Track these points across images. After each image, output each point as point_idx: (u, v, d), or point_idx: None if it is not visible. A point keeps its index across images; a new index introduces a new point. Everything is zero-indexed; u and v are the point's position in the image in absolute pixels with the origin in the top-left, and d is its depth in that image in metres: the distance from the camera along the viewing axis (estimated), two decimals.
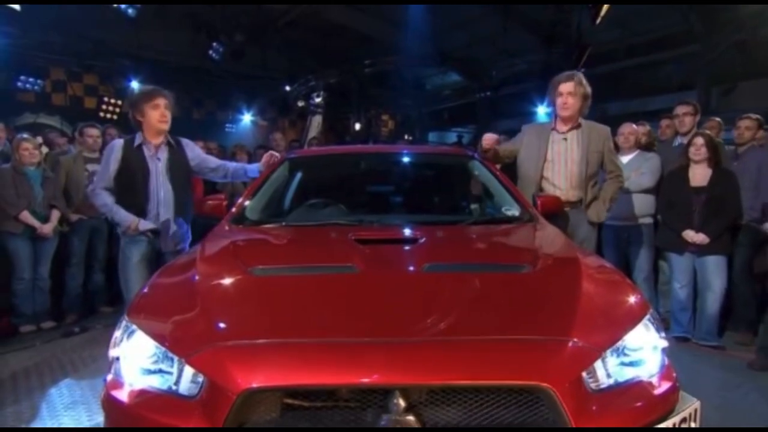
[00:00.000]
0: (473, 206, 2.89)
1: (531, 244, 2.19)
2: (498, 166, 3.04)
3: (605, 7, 7.33)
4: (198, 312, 1.50)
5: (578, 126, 3.03)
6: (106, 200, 2.81)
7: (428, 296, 1.56)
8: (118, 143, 2.90)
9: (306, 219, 2.42)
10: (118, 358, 1.49)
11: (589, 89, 2.98)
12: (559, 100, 2.98)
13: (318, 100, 10.76)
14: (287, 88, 11.35)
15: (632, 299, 1.61)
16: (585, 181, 2.97)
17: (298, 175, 3.01)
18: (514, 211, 2.51)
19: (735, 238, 3.50)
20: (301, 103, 11.12)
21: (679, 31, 8.96)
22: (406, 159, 3.17)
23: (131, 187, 2.82)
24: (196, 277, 1.71)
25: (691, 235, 3.43)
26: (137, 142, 2.87)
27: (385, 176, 3.12)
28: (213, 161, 3.07)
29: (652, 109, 10.77)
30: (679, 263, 3.56)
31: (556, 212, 2.73)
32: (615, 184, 3.09)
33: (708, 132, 3.62)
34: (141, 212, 2.82)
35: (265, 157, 3.00)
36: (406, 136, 12.20)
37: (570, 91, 2.95)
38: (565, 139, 3.03)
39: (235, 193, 4.31)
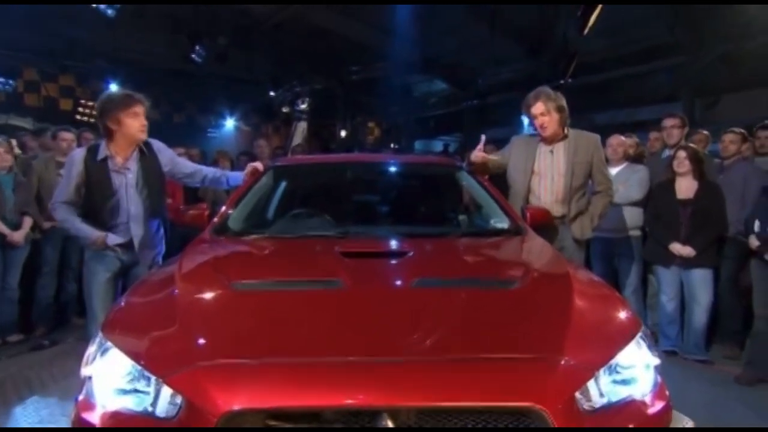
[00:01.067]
0: (461, 218, 2.89)
1: (520, 259, 2.20)
2: (486, 177, 3.06)
3: (593, 17, 7.46)
4: (177, 329, 1.47)
5: (564, 137, 3.04)
6: (66, 215, 2.61)
7: (417, 314, 1.55)
8: (78, 156, 2.65)
9: (291, 230, 2.40)
10: (90, 377, 1.44)
11: (561, 100, 2.96)
12: (536, 123, 2.98)
13: (303, 106, 10.73)
14: (272, 93, 11.29)
15: (624, 316, 1.62)
16: (570, 194, 2.96)
17: (283, 184, 2.99)
18: (502, 223, 2.52)
19: (721, 251, 3.55)
20: (285, 109, 11.08)
21: (666, 43, 9.16)
22: (393, 169, 3.16)
23: (93, 206, 2.63)
24: (176, 292, 1.68)
25: (677, 248, 3.48)
26: (102, 155, 2.63)
27: (372, 186, 3.11)
28: (188, 165, 2.93)
29: (640, 119, 11.00)
30: (666, 276, 3.60)
31: (546, 225, 2.74)
32: (604, 199, 3.08)
33: (692, 145, 3.69)
34: (107, 229, 2.64)
35: (249, 168, 2.94)
36: (392, 144, 12.21)
37: (541, 111, 2.92)
38: (552, 151, 3.04)
39: (217, 202, 4.24)
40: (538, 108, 2.96)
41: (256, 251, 2.22)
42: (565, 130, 3.05)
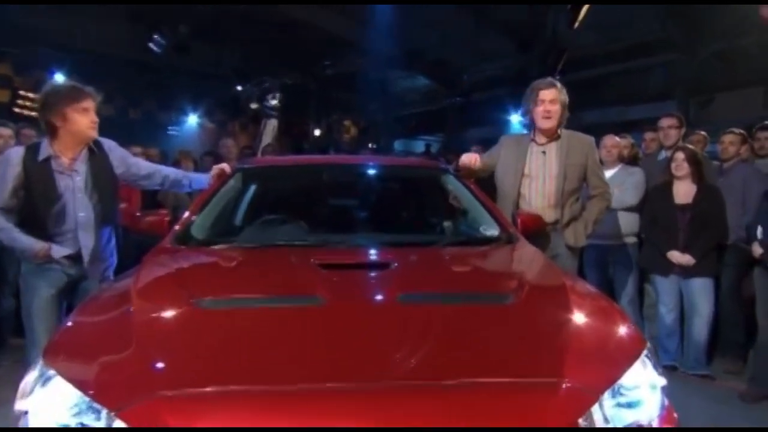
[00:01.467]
0: (447, 225, 2.88)
1: (513, 270, 2.20)
2: (472, 180, 3.06)
3: (583, 11, 7.58)
4: (133, 353, 1.40)
5: (558, 137, 3.06)
6: (1, 224, 2.43)
7: (404, 333, 1.51)
8: (15, 155, 2.48)
9: (262, 239, 2.36)
10: (27, 413, 1.35)
11: (567, 98, 3.03)
12: (540, 109, 2.98)
13: (274, 102, 10.63)
14: (239, 87, 11.15)
15: (627, 332, 1.61)
16: (563, 198, 2.98)
17: (253, 188, 2.94)
18: (492, 230, 2.51)
19: (721, 259, 3.60)
20: (254, 105, 10.95)
21: (658, 39, 9.37)
22: (373, 171, 3.15)
23: (35, 212, 2.45)
24: (131, 310, 1.61)
25: (676, 256, 3.52)
26: (44, 154, 2.47)
27: (351, 190, 3.09)
28: (144, 166, 2.81)
29: (631, 118, 11.22)
30: (664, 286, 3.64)
31: (538, 232, 2.75)
32: (600, 203, 3.09)
33: (690, 146, 3.74)
34: (50, 238, 2.48)
35: (215, 169, 2.86)
36: (370, 144, 12.21)
37: (552, 98, 2.96)
38: (544, 152, 3.04)
39: (179, 207, 4.13)
40: (550, 93, 2.96)
41: (223, 263, 2.17)
42: (559, 130, 3.07)
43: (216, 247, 2.26)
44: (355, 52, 10.51)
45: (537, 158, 3.05)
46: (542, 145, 3.06)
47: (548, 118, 2.97)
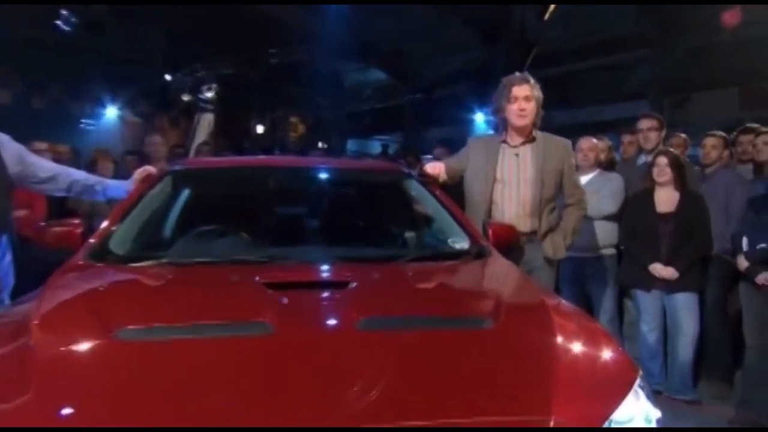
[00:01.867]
0: (411, 236, 2.88)
1: (488, 288, 2.20)
2: (438, 186, 3.06)
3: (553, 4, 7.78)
4: (32, 397, 1.27)
5: (532, 139, 3.09)
6: None
7: (367, 366, 1.45)
8: None
9: (197, 254, 2.27)
10: None
11: (541, 95, 3.08)
12: (514, 107, 3.02)
13: (209, 94, 10.44)
14: (168, 76, 10.82)
15: (618, 360, 1.62)
16: (540, 206, 3.02)
17: (185, 194, 2.86)
18: (461, 242, 2.51)
19: (705, 272, 3.71)
20: (186, 97, 10.70)
21: (631, 34, 9.72)
22: (326, 175, 3.13)
23: None
24: (31, 344, 1.48)
25: (658, 269, 3.59)
26: None
27: (301, 197, 3.05)
28: (46, 167, 2.66)
29: (603, 119, 11.58)
30: (646, 302, 3.71)
31: (511, 244, 2.76)
32: (577, 212, 3.17)
33: (672, 150, 3.84)
34: None
35: (138, 173, 2.72)
36: (320, 144, 12.14)
37: (527, 94, 3.00)
38: (517, 155, 3.08)
39: (95, 215, 3.94)
40: (524, 89, 3.00)
41: (149, 284, 2.07)
42: (534, 132, 3.11)
43: (140, 264, 2.15)
44: (303, 40, 10.39)
45: (510, 162, 3.08)
46: (515, 147, 3.09)
47: (523, 116, 3.01)
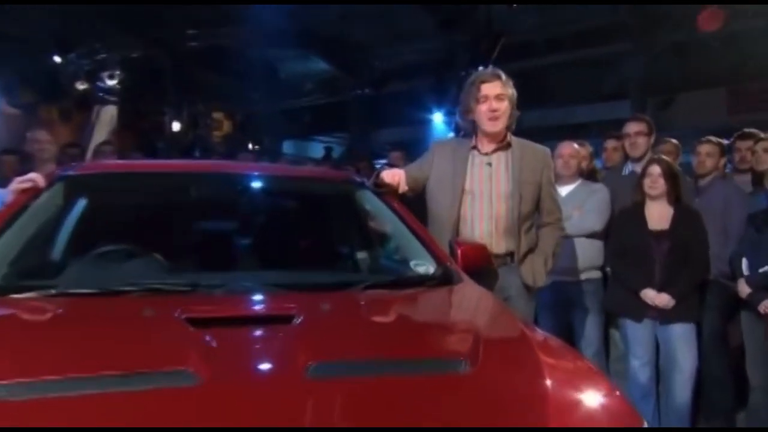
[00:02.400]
0: (364, 257, 2.91)
1: (461, 322, 2.20)
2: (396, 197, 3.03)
3: None
4: None
5: (507, 145, 3.11)
6: None
7: (321, 424, 1.40)
8: None
9: (95, 282, 2.17)
10: None
11: (515, 92, 3.10)
12: (484, 108, 3.03)
13: (111, 82, 10.11)
14: (57, 59, 10.38)
15: (619, 408, 1.64)
16: (517, 224, 3.03)
17: (81, 205, 2.77)
18: (426, 266, 2.52)
19: (703, 299, 3.78)
20: (82, 85, 10.31)
21: (609, 25, 10.02)
22: (262, 184, 3.09)
23: None
24: None
25: (651, 296, 3.64)
26: None
27: (231, 210, 3.02)
28: None
29: (579, 121, 11.89)
30: (636, 333, 3.75)
31: (483, 267, 2.77)
32: (555, 232, 3.19)
33: (665, 158, 3.92)
34: None
35: (19, 182, 2.57)
36: (250, 145, 11.97)
37: (499, 92, 3.02)
38: (490, 163, 3.09)
39: None
40: (495, 87, 3.01)
41: (33, 321, 1.94)
42: (508, 137, 3.12)
43: (19, 296, 2.02)
44: (230, 21, 10.23)
45: (481, 171, 3.09)
46: (487, 154, 3.10)
47: (496, 119, 3.02)
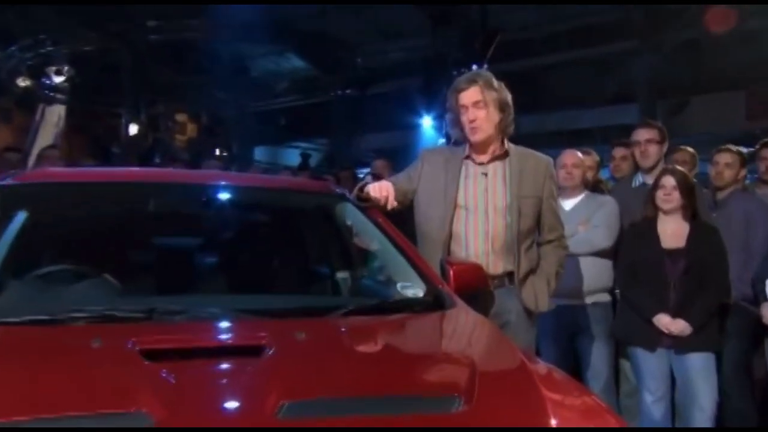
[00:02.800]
0: (344, 278, 2.92)
1: (454, 353, 2.19)
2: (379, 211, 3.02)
3: None
4: None
5: (504, 154, 3.12)
6: None
7: None
8: None
9: (36, 307, 2.15)
10: None
11: (505, 93, 3.11)
12: (464, 118, 3.07)
13: (59, 79, 10.05)
14: None
15: None
16: (516, 241, 3.03)
17: (21, 219, 2.69)
18: (414, 288, 2.53)
19: (723, 326, 3.76)
20: (24, 82, 10.23)
21: (616, 22, 10.12)
22: (230, 196, 3.09)
23: None
24: None
25: (665, 322, 3.62)
26: None
27: (195, 225, 3.04)
28: None
29: (580, 126, 11.96)
30: (649, 365, 3.72)
31: (478, 289, 2.76)
32: (558, 251, 3.20)
33: (679, 168, 3.92)
34: None
35: None
36: (217, 152, 11.94)
37: (476, 100, 3.03)
38: (485, 174, 3.09)
39: None
40: (470, 95, 3.02)
41: None
42: (506, 144, 3.12)
43: None
44: (196, 12, 10.22)
45: (475, 183, 3.09)
46: (483, 164, 3.10)
47: (474, 129, 3.04)
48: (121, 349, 1.79)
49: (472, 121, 3.02)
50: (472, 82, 3.05)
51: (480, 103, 3.01)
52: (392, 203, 3.01)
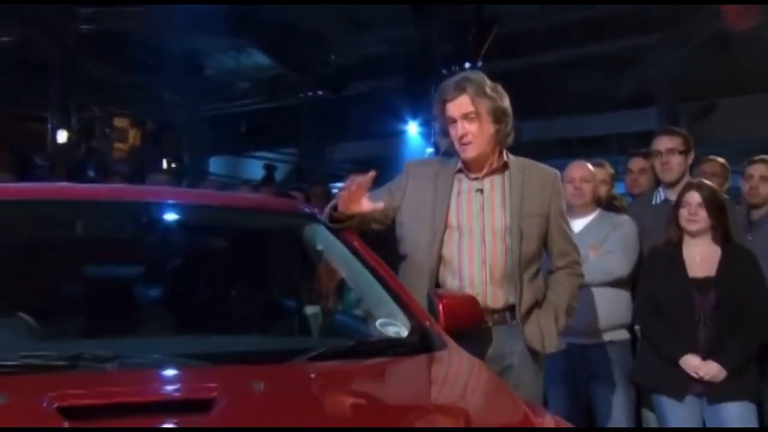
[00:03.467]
0: (316, 315, 2.94)
1: (445, 405, 2.20)
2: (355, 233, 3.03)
3: None
4: None
5: (503, 167, 3.12)
6: None
7: None
8: None
9: None
10: None
11: (503, 98, 3.09)
12: (452, 133, 3.06)
13: None
14: None
15: None
16: (518, 269, 3.03)
17: None
18: (397, 326, 2.55)
19: (763, 370, 3.74)
20: None
21: (631, 14, 10.20)
22: (178, 217, 3.09)
23: None
24: None
25: (694, 365, 3.61)
26: None
27: (133, 252, 3.07)
28: None
29: (590, 134, 12.02)
30: (677, 416, 3.69)
31: (473, 327, 2.77)
32: (571, 279, 3.18)
33: (707, 182, 3.91)
34: None
35: None
36: (165, 163, 11.88)
37: (466, 112, 3.02)
38: (481, 190, 3.09)
39: None
40: (459, 106, 3.00)
41: None
42: (505, 156, 3.12)
43: None
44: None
45: (470, 200, 3.08)
46: (478, 179, 3.10)
47: (466, 144, 3.03)
48: (35, 407, 1.76)
49: (462, 137, 3.01)
50: (461, 90, 3.02)
51: (470, 114, 2.99)
52: (369, 207, 2.93)
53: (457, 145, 3.05)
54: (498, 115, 3.03)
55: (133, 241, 3.09)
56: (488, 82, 3.06)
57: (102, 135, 13.01)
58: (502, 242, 3.01)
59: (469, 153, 3.02)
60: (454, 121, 3.02)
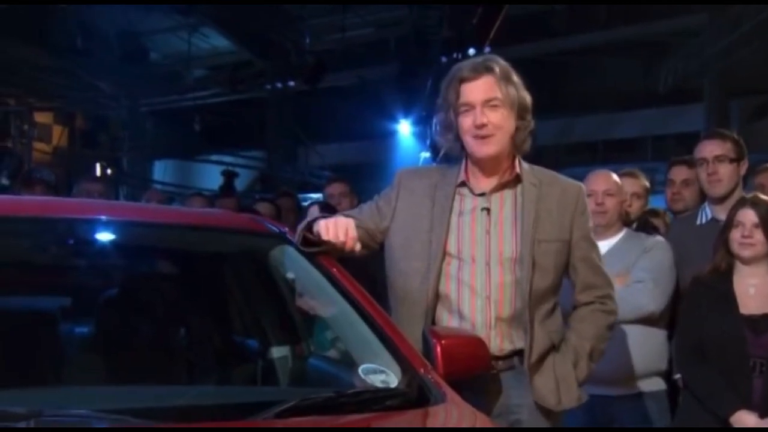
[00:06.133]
0: (285, 358, 2.95)
1: None
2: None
3: None
4: None
5: (514, 179, 3.13)
6: None
7: None
8: None
9: None
10: None
11: (525, 93, 3.09)
12: (467, 121, 3.03)
13: None
14: None
15: None
16: (528, 306, 3.03)
17: None
18: (385, 374, 2.56)
19: None
20: None
21: None
22: (113, 236, 3.12)
23: None
24: None
25: (749, 422, 3.62)
26: None
27: (55, 281, 3.10)
28: None
29: (620, 136, 12.07)
30: None
31: (476, 374, 2.77)
32: (597, 319, 3.17)
33: (764, 197, 3.93)
34: None
35: None
36: (99, 168, 11.88)
37: (489, 97, 3.01)
38: (487, 209, 3.09)
39: None
40: (481, 89, 3.00)
41: None
42: (517, 165, 3.12)
43: None
44: None
45: (473, 221, 3.09)
46: (484, 194, 3.10)
47: (484, 137, 3.01)
48: None
49: (481, 127, 2.97)
50: (486, 69, 3.00)
51: (494, 100, 2.98)
52: (352, 246, 2.99)
53: (469, 140, 3.01)
54: (522, 111, 3.03)
55: (58, 267, 3.11)
56: (511, 69, 3.05)
57: (19, 133, 12.99)
58: (511, 274, 3.01)
59: (487, 149, 3.00)
60: (470, 108, 2.98)
